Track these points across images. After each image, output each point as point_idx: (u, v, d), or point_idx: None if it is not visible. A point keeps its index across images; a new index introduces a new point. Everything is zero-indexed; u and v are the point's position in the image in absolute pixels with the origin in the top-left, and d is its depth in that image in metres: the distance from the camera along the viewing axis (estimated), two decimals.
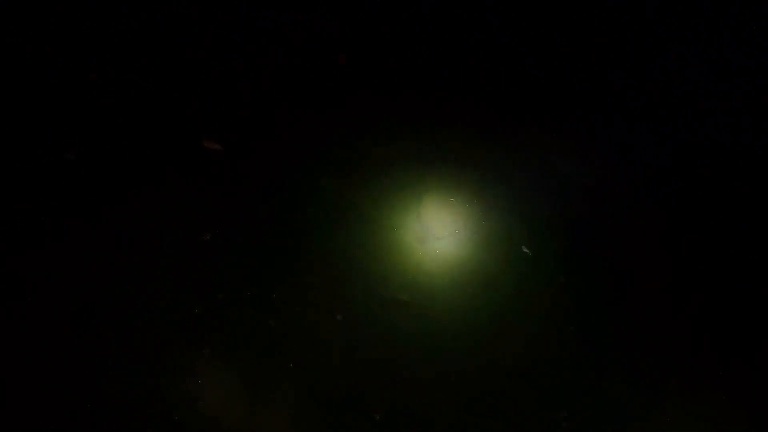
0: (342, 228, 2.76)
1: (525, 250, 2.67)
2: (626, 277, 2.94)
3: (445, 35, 3.31)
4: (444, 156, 2.89)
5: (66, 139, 2.70)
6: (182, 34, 3.07)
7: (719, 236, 3.18)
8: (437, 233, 2.74)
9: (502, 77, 3.28)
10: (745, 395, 2.80)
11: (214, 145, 2.73)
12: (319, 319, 2.58)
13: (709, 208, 3.25)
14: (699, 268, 3.09)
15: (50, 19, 2.88)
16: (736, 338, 2.92)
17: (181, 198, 2.74)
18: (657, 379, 2.79)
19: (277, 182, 2.86)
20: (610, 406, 2.73)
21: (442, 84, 3.23)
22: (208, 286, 2.60)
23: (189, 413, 2.42)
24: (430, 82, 3.21)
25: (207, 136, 2.80)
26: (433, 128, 3.03)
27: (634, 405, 2.75)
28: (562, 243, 2.84)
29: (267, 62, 3.10)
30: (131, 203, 2.68)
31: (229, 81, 3.06)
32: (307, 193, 2.86)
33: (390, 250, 2.74)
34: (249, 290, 2.58)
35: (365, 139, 3.01)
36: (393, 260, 2.72)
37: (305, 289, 2.61)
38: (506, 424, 2.62)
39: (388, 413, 2.55)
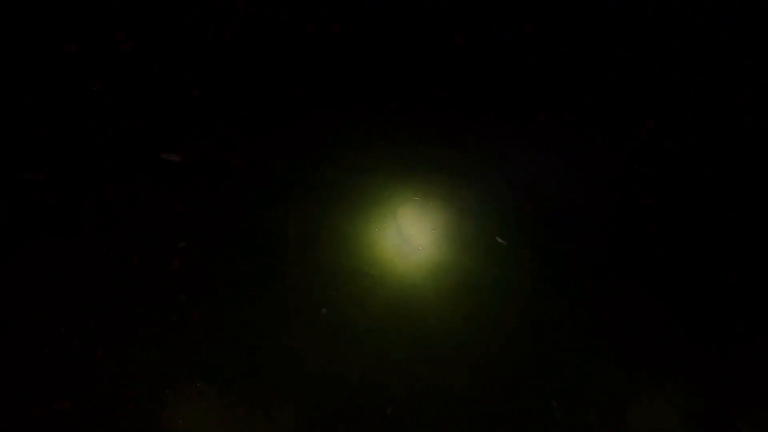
0: (321, 229, 2.85)
1: (500, 240, 2.75)
2: (602, 262, 3.01)
3: (418, 43, 3.46)
4: (418, 157, 3.00)
5: (24, 158, 2.79)
6: (144, 44, 3.15)
7: (693, 221, 3.26)
8: (415, 231, 2.83)
9: (475, 80, 3.40)
10: (730, 376, 2.81)
11: (173, 157, 2.78)
12: (305, 314, 2.64)
13: (684, 194, 3.35)
14: (675, 250, 3.16)
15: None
16: (716, 322, 2.96)
17: (153, 208, 2.80)
18: (644, 361, 2.81)
19: (253, 186, 2.96)
20: (601, 392, 2.73)
21: (413, 89, 3.36)
22: (187, 292, 2.65)
23: (185, 417, 2.44)
24: (401, 88, 3.34)
25: (186, 142, 2.89)
26: (405, 131, 3.14)
27: (624, 389, 2.75)
28: (535, 233, 2.91)
29: (246, 66, 3.21)
30: (103, 216, 2.73)
31: (224, 82, 3.15)
32: (287, 195, 2.96)
33: (371, 250, 2.83)
34: (233, 293, 2.66)
35: (341, 141, 3.11)
36: (375, 259, 2.80)
37: (289, 288, 2.69)
38: (498, 417, 2.62)
39: (396, 409, 2.55)
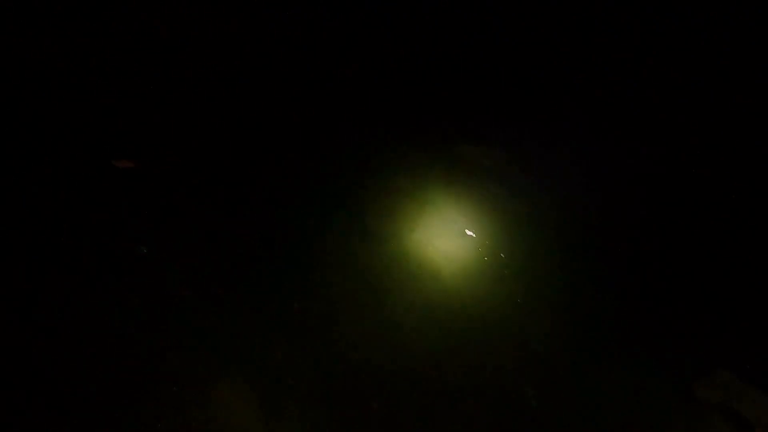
0: (291, 227, 2.99)
1: (469, 233, 2.89)
2: (571, 252, 3.05)
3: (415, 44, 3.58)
4: (383, 156, 3.11)
5: None
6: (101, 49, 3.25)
7: (691, 220, 3.21)
8: (382, 226, 3.01)
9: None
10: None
11: (126, 164, 2.68)
12: (277, 310, 2.70)
13: (684, 194, 3.31)
14: (666, 246, 3.14)
15: None
16: (694, 315, 2.90)
17: (114, 216, 2.81)
18: (617, 349, 2.80)
19: (220, 188, 3.07)
20: (576, 379, 2.72)
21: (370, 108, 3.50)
22: (163, 294, 2.68)
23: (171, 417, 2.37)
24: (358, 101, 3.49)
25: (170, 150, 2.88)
26: (374, 130, 3.30)
27: (599, 377, 2.73)
28: (503, 228, 3.02)
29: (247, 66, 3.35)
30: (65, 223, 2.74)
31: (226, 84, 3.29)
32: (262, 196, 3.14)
33: (341, 247, 2.97)
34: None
35: (310, 144, 3.30)
36: (355, 260, 2.94)
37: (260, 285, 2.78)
38: (474, 407, 2.59)
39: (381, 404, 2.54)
